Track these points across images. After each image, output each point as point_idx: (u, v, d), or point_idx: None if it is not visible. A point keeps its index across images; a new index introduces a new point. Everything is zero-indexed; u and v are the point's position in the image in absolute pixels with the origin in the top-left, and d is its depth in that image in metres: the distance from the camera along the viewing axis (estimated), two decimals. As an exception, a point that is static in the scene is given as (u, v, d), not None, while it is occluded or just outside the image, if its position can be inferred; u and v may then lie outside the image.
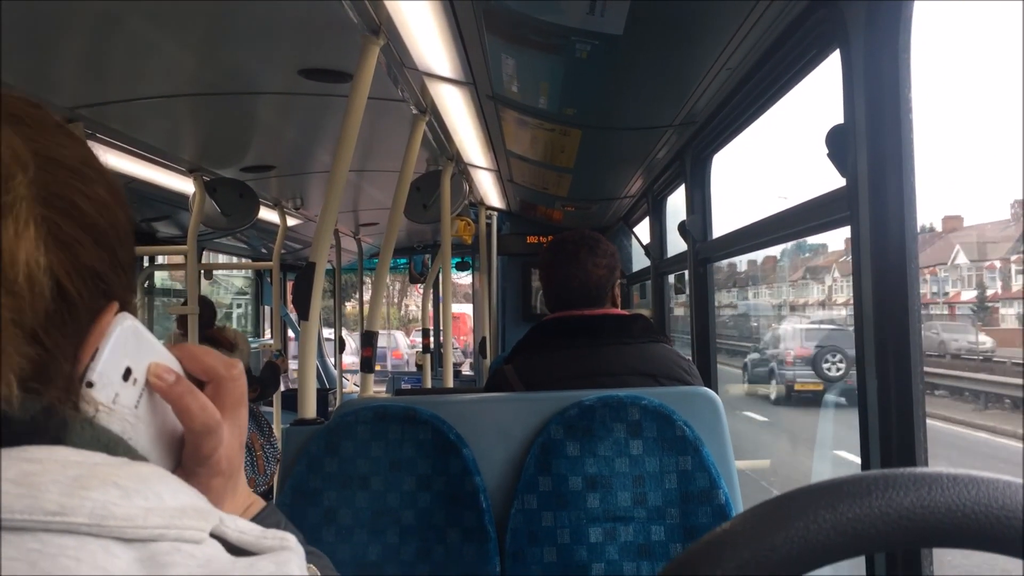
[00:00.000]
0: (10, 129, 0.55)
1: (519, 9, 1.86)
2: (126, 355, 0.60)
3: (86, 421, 0.56)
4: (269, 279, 6.93)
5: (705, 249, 3.09)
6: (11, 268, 0.50)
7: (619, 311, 2.28)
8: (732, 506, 1.96)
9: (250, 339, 8.29)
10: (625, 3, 1.65)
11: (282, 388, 5.59)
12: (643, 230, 4.72)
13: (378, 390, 8.01)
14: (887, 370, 1.60)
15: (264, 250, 7.08)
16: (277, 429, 5.25)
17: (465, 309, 19.71)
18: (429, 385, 5.25)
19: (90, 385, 0.57)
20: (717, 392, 2.24)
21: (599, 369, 2.14)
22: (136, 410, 0.61)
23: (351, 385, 8.27)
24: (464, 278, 9.25)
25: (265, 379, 4.94)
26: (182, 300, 4.84)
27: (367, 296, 7.94)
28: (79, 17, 2.09)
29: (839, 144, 1.66)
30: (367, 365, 3.11)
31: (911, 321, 1.55)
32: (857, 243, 1.64)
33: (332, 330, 7.80)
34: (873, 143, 1.55)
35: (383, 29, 2.19)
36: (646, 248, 4.46)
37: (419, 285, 7.86)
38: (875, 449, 1.66)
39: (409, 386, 7.29)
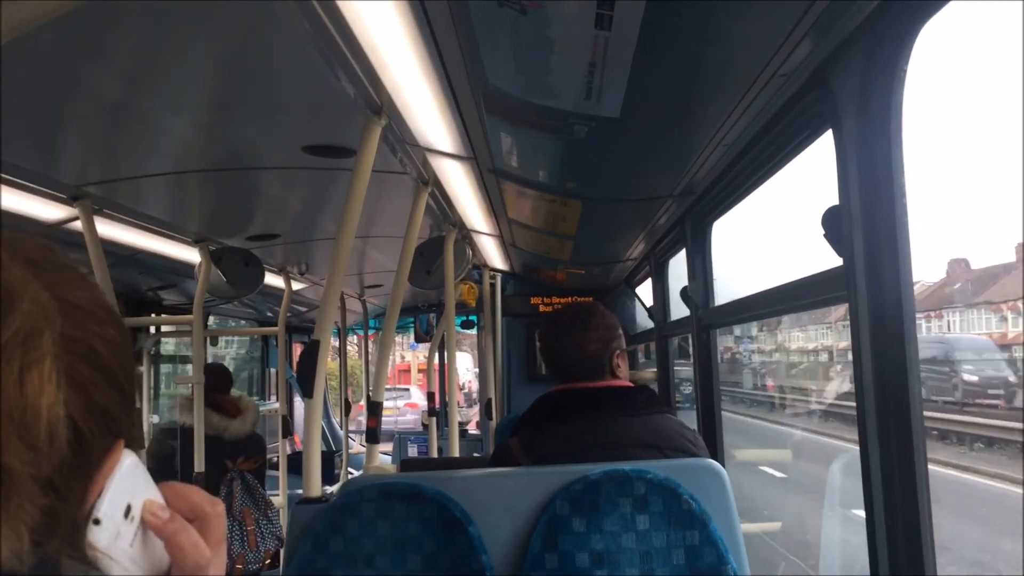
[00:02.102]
0: (32, 276, 0.57)
1: (517, 94, 1.90)
2: (128, 492, 0.62)
3: (85, 571, 0.57)
4: (275, 342, 6.94)
5: (708, 316, 3.11)
6: (34, 423, 0.51)
7: (622, 383, 2.28)
8: (740, 582, 1.94)
9: (257, 401, 8.29)
10: (620, 89, 1.69)
11: (288, 451, 5.55)
12: (646, 290, 4.75)
13: (384, 449, 7.95)
14: (889, 447, 1.61)
15: (269, 313, 7.10)
16: (283, 493, 5.21)
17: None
18: (435, 448, 5.22)
19: (97, 522, 0.58)
20: (723, 463, 2.24)
21: (604, 442, 2.14)
22: (131, 549, 0.62)
23: (357, 446, 8.23)
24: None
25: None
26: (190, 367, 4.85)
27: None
28: (85, 98, 2.13)
29: (835, 224, 1.68)
30: (372, 436, 3.10)
31: (912, 400, 1.56)
32: (856, 322, 1.65)
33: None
34: (868, 225, 1.58)
35: (384, 109, 2.23)
36: (649, 311, 4.47)
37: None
38: (882, 540, 1.65)
39: (415, 448, 7.26)
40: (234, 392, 5.02)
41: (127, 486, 0.61)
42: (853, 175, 1.62)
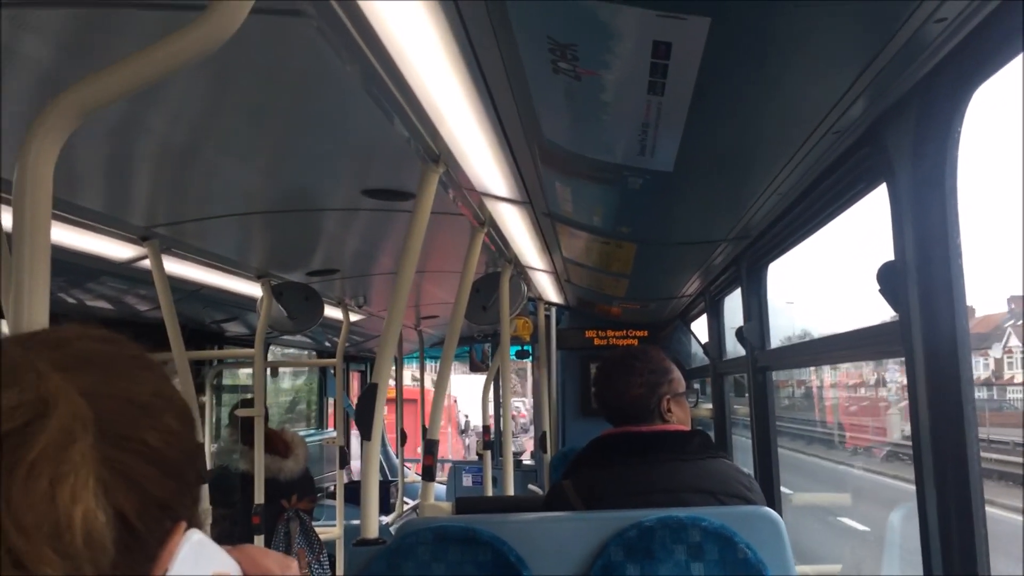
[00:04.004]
0: (78, 378, 0.57)
1: (571, 148, 1.93)
2: (194, 569, 0.63)
3: None
4: (332, 372, 7.02)
5: (763, 357, 3.09)
6: (67, 531, 0.51)
7: (675, 426, 2.28)
8: (796, 636, 1.93)
9: (312, 432, 8.39)
10: (674, 146, 1.71)
11: (345, 480, 5.61)
12: (701, 326, 4.72)
13: (440, 478, 7.97)
14: (947, 501, 1.59)
15: (328, 343, 7.20)
16: (340, 524, 5.25)
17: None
18: (490, 480, 5.22)
19: None
20: (780, 510, 2.22)
21: (657, 486, 2.14)
22: None
23: (412, 475, 8.28)
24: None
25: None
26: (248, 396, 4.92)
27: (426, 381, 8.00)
28: (155, 144, 2.21)
29: (890, 280, 1.68)
30: (428, 474, 3.13)
31: (970, 457, 1.55)
32: (913, 379, 1.64)
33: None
34: (924, 281, 1.57)
35: (442, 157, 2.28)
36: (705, 348, 4.45)
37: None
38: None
39: (470, 477, 7.27)
40: (286, 428, 5.06)
41: (192, 564, 0.63)
42: (908, 231, 1.62)
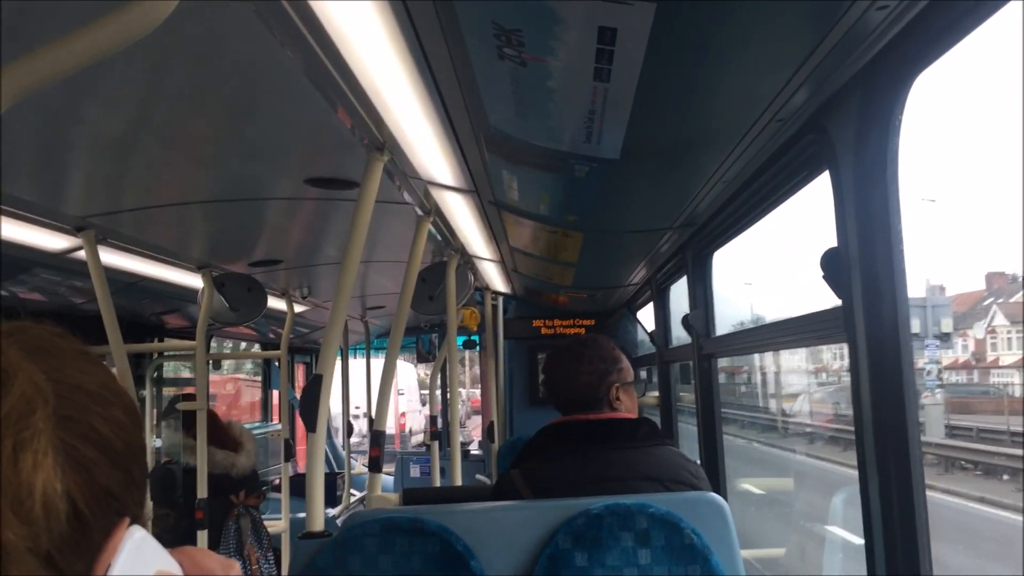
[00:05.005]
0: (35, 361, 0.59)
1: (518, 136, 1.92)
2: (135, 567, 0.62)
3: None
4: (277, 364, 6.94)
5: (709, 344, 3.12)
6: (28, 498, 0.53)
7: (623, 415, 2.29)
8: (742, 619, 1.95)
9: (259, 424, 8.28)
10: (620, 133, 1.71)
11: (291, 472, 5.55)
12: (648, 314, 4.76)
13: (387, 469, 7.93)
14: (888, 479, 1.62)
15: (272, 335, 7.11)
16: (285, 517, 5.20)
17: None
18: (437, 470, 5.21)
19: None
20: (725, 495, 2.24)
21: (605, 475, 2.15)
22: None
23: (359, 466, 8.22)
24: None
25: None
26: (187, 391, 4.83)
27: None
28: (90, 133, 2.15)
29: (833, 267, 1.70)
30: (375, 465, 3.11)
31: (911, 440, 1.57)
32: (855, 362, 1.66)
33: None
34: (866, 268, 1.59)
35: (387, 146, 2.25)
36: (651, 335, 4.48)
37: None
38: (880, 566, 1.66)
39: (417, 468, 7.25)
40: (233, 423, 4.98)
41: (137, 560, 0.62)
42: (851, 218, 1.64)
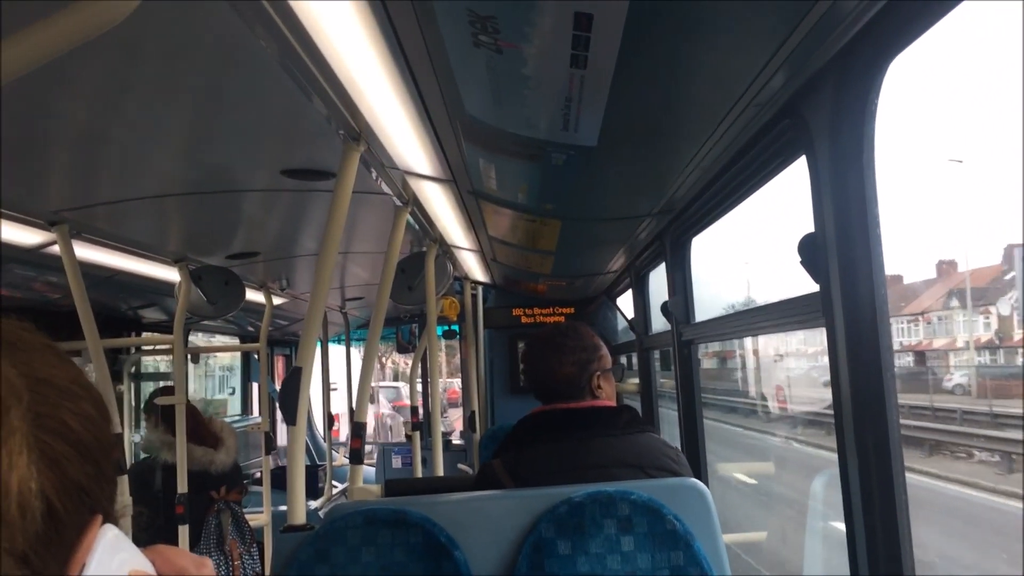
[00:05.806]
0: (5, 357, 0.58)
1: (494, 123, 1.91)
2: (109, 567, 0.62)
3: None
4: (256, 356, 6.90)
5: (688, 331, 3.13)
6: (5, 498, 0.52)
7: (603, 403, 2.29)
8: (725, 602, 1.96)
9: (238, 418, 8.24)
10: (597, 120, 1.70)
11: (272, 465, 5.52)
12: (627, 301, 4.76)
13: (368, 462, 7.92)
14: (868, 461, 1.63)
15: (251, 327, 7.06)
16: (267, 510, 5.18)
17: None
18: (419, 461, 5.20)
19: None
20: (706, 481, 2.25)
21: (587, 463, 2.15)
22: None
23: (340, 458, 8.21)
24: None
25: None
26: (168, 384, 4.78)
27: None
28: (62, 125, 2.12)
29: (811, 252, 1.70)
30: (356, 457, 3.09)
31: (890, 422, 1.58)
32: (834, 346, 1.67)
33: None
34: (843, 252, 1.60)
35: (363, 135, 2.24)
36: (631, 323, 4.49)
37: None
38: (861, 546, 1.67)
39: (399, 459, 7.25)
40: (214, 418, 4.94)
41: (110, 559, 0.62)
42: (828, 203, 1.64)
